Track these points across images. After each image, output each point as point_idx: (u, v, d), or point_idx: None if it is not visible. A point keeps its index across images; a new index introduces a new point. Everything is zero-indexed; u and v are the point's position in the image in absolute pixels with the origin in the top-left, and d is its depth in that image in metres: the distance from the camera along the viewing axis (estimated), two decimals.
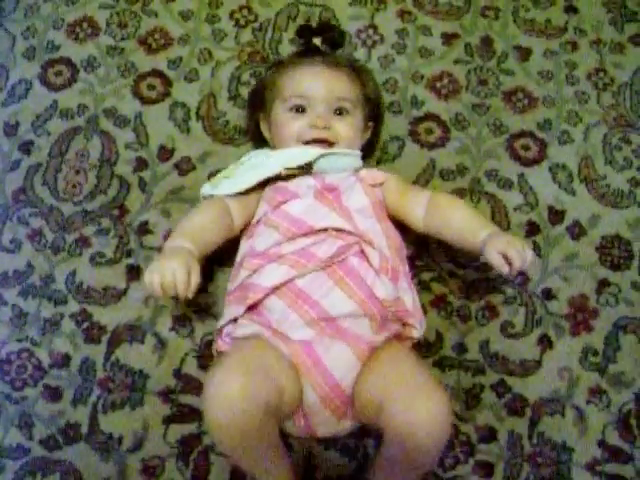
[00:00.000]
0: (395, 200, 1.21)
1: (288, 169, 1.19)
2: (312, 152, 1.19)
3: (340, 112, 1.22)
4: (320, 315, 1.04)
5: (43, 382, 1.21)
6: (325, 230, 1.11)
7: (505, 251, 1.06)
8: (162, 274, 1.01)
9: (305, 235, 1.11)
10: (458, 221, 1.16)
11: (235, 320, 1.10)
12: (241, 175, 1.21)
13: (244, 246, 1.18)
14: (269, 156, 1.23)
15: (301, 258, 1.08)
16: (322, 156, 1.19)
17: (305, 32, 1.35)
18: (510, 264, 1.06)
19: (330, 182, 1.18)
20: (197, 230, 1.12)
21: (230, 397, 0.90)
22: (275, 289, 1.06)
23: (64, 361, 1.22)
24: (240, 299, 1.09)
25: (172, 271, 1.01)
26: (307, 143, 1.21)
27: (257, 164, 1.22)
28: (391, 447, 1.00)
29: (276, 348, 1.03)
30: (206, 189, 1.21)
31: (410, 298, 1.13)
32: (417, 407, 0.93)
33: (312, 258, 1.08)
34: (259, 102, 1.31)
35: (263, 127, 1.31)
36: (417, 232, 1.21)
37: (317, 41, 1.31)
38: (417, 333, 1.13)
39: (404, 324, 1.13)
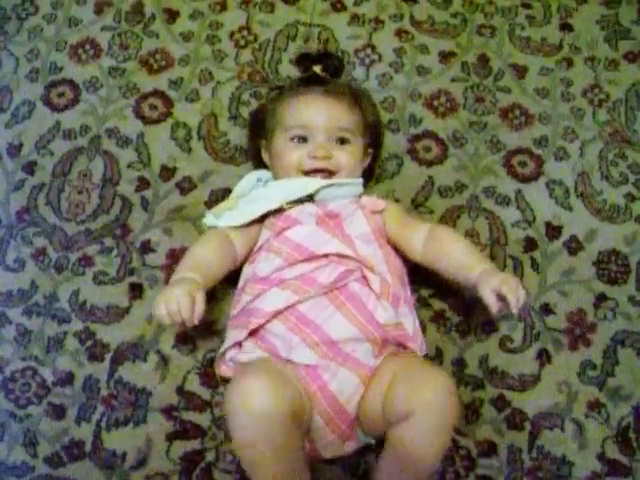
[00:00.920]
0: (395, 229, 1.22)
1: (289, 203, 1.20)
2: (313, 184, 1.20)
3: (341, 142, 1.23)
4: (322, 339, 1.06)
5: (47, 400, 1.22)
6: (327, 256, 1.12)
7: (499, 289, 1.06)
8: (167, 302, 1.03)
9: (307, 261, 1.12)
10: (455, 254, 1.16)
11: (239, 345, 1.11)
12: (243, 207, 1.23)
13: (246, 271, 1.19)
14: (270, 188, 1.25)
15: (303, 283, 1.09)
16: (323, 187, 1.20)
17: (304, 60, 1.36)
18: (503, 301, 1.07)
19: (332, 209, 1.19)
20: (201, 263, 1.14)
21: (259, 403, 0.93)
22: (277, 314, 1.08)
23: (68, 379, 1.23)
24: (243, 323, 1.10)
25: (176, 298, 1.03)
26: (308, 173, 1.22)
27: (259, 197, 1.24)
28: (395, 448, 1.00)
29: (290, 379, 1.04)
30: (209, 219, 1.23)
31: (411, 323, 1.14)
32: (423, 389, 0.97)
33: (314, 283, 1.09)
34: (260, 130, 1.32)
35: (264, 154, 1.32)
36: (414, 262, 1.22)
37: (317, 69, 1.32)
38: None
39: (405, 348, 1.13)
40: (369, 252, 1.15)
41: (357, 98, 1.30)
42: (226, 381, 1.19)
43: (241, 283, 1.19)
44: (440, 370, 1.03)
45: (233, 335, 1.12)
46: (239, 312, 1.13)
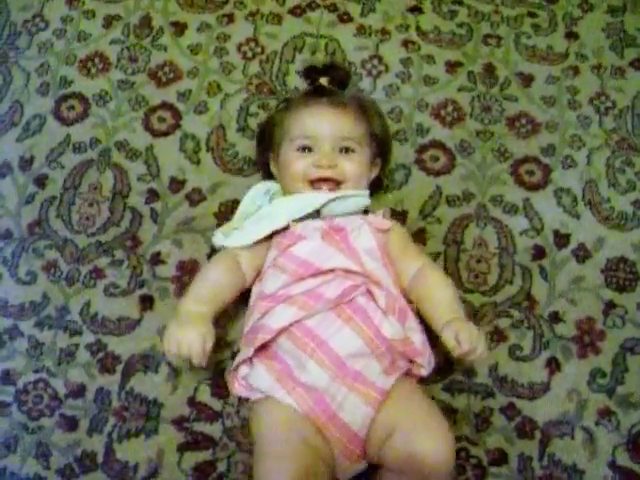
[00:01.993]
0: (394, 252, 1.22)
1: (295, 221, 1.21)
2: (319, 199, 1.21)
3: (346, 151, 1.24)
4: (328, 355, 1.06)
5: (59, 412, 1.23)
6: (332, 270, 1.13)
7: (457, 333, 1.06)
8: (178, 345, 1.05)
9: (313, 276, 1.13)
10: (435, 301, 1.15)
11: (251, 362, 1.12)
12: (249, 227, 1.23)
13: (256, 290, 1.20)
14: (276, 206, 1.25)
15: (309, 299, 1.10)
16: (329, 201, 1.21)
17: (311, 72, 1.37)
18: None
19: (337, 223, 1.20)
20: (211, 290, 1.16)
21: None
22: (284, 330, 1.08)
23: (80, 391, 1.24)
24: (251, 341, 1.10)
25: (188, 343, 1.05)
26: (313, 182, 1.23)
27: (265, 216, 1.24)
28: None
29: (302, 418, 1.05)
30: (218, 238, 1.24)
31: (419, 337, 1.14)
32: (423, 441, 0.98)
33: (320, 299, 1.10)
34: (268, 142, 1.33)
35: (272, 166, 1.33)
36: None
37: (323, 81, 1.33)
38: (425, 371, 1.14)
39: (412, 362, 1.13)
40: (375, 266, 1.16)
41: (363, 108, 1.31)
42: (239, 398, 1.21)
43: (251, 301, 1.20)
44: (441, 425, 1.03)
45: (243, 352, 1.12)
46: (249, 330, 1.14)
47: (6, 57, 1.54)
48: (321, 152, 1.23)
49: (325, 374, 1.06)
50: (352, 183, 1.24)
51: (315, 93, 1.31)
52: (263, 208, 1.27)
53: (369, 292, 1.12)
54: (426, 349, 1.15)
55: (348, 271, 1.13)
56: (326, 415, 1.05)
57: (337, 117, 1.25)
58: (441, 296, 1.16)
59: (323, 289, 1.11)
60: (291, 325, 1.08)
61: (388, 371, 1.09)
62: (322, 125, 1.24)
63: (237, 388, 1.15)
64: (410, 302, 1.18)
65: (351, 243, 1.17)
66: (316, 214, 1.22)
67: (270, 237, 1.22)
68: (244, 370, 1.13)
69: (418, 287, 1.18)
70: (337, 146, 1.23)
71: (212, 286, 1.16)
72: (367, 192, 1.27)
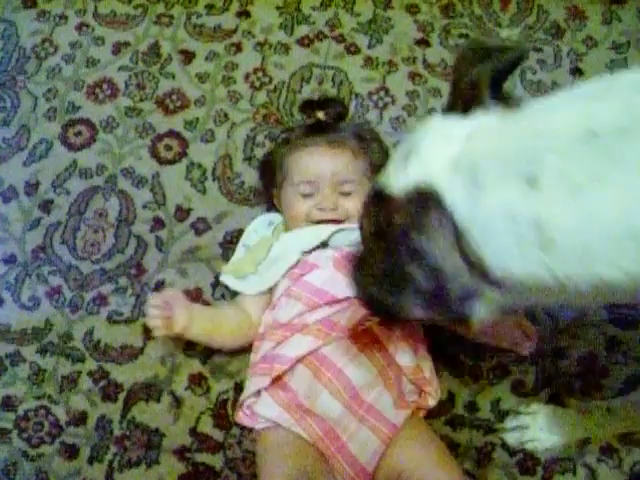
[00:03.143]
0: None
1: (305, 253, 1.22)
2: (325, 232, 1.22)
3: (347, 192, 1.25)
4: (344, 385, 1.07)
5: (60, 439, 1.22)
6: (347, 299, 1.13)
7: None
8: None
9: (328, 304, 1.14)
10: None
11: (258, 392, 1.12)
12: (265, 271, 1.24)
13: (267, 318, 1.20)
14: (285, 242, 1.26)
15: (325, 327, 1.10)
16: (335, 232, 1.22)
17: (308, 107, 1.39)
18: None
19: (348, 251, 1.20)
20: (215, 313, 1.22)
21: None
22: (300, 359, 1.09)
23: (81, 419, 1.24)
24: (266, 370, 1.11)
25: (177, 316, 1.13)
26: (317, 223, 1.24)
27: (277, 257, 1.24)
28: None
29: (308, 446, 1.06)
30: (229, 280, 1.26)
31: (428, 366, 1.15)
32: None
33: (335, 327, 1.10)
34: (270, 179, 1.34)
35: (276, 201, 1.34)
36: None
37: (320, 115, 1.34)
38: (433, 401, 1.15)
39: (421, 392, 1.14)
40: None
41: (361, 141, 1.32)
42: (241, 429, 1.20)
43: (261, 329, 1.20)
44: (450, 470, 1.05)
45: (255, 382, 1.12)
46: (260, 359, 1.14)
47: (14, 81, 1.55)
48: (322, 195, 1.24)
49: (339, 405, 1.06)
50: (355, 220, 1.24)
51: (313, 129, 1.33)
52: (273, 249, 1.27)
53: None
54: (434, 378, 1.16)
55: None
56: (335, 446, 1.06)
57: (336, 158, 1.26)
58: None
59: (338, 317, 1.12)
60: (308, 354, 1.09)
61: (399, 404, 1.10)
62: (322, 168, 1.25)
63: (241, 417, 1.15)
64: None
65: None
66: (324, 245, 1.23)
67: None
68: (250, 400, 1.13)
69: None
70: (337, 188, 1.25)
71: (218, 313, 1.22)
72: None
